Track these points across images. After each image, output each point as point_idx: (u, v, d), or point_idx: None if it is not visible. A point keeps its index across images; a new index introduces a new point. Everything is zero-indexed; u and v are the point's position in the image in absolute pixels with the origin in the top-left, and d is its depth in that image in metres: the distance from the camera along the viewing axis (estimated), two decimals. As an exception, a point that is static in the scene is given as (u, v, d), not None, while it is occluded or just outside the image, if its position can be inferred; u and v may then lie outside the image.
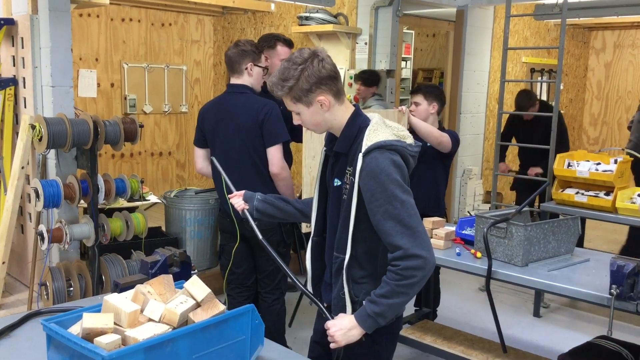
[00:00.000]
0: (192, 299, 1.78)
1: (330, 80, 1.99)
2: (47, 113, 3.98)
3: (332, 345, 1.99)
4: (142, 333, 1.63)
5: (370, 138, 1.95)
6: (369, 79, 5.55)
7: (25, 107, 4.17)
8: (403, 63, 8.76)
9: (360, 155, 1.93)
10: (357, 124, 2.03)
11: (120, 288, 2.23)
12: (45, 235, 3.69)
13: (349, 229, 1.99)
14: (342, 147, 2.04)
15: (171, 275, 1.92)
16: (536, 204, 5.16)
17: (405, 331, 3.67)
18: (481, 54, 6.90)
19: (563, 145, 5.24)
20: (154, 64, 7.43)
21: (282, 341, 3.43)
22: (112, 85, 7.15)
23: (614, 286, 2.54)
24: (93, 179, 3.78)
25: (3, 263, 4.00)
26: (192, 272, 2.53)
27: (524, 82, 7.70)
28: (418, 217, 1.93)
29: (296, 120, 2.09)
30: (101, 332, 1.62)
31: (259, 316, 1.89)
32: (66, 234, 3.74)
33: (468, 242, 3.38)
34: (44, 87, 4.02)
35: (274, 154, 3.26)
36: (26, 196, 4.23)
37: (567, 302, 4.96)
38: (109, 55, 7.09)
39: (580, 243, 3.86)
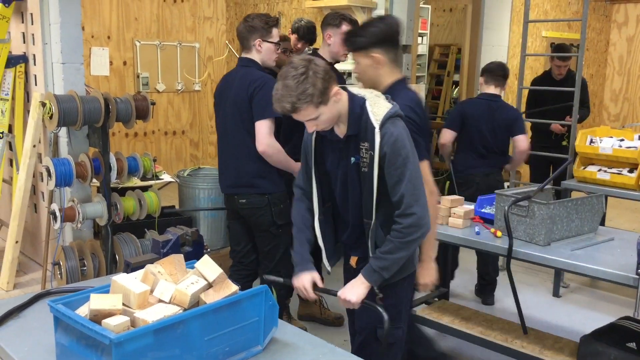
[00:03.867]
0: (204, 279, 1.72)
1: (331, 72, 2.06)
2: (58, 90, 3.93)
3: (346, 305, 2.20)
4: (151, 314, 1.58)
5: (376, 112, 2.10)
6: None
7: (36, 84, 4.11)
8: (419, 39, 8.59)
9: (377, 130, 2.08)
10: (357, 103, 2.14)
11: (131, 268, 2.17)
12: (58, 214, 3.65)
13: (373, 196, 2.14)
14: (354, 129, 2.15)
15: (182, 255, 1.86)
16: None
17: (423, 311, 3.61)
18: (500, 28, 6.72)
19: (585, 109, 5.08)
20: (167, 42, 7.34)
21: None
22: (125, 63, 7.08)
23: (641, 266, 2.44)
24: (105, 157, 3.73)
25: (17, 242, 3.98)
26: (204, 251, 2.48)
27: (544, 56, 7.51)
28: (422, 179, 2.16)
29: (312, 127, 2.12)
30: (109, 314, 1.57)
31: (272, 297, 1.83)
32: (79, 213, 3.71)
33: (487, 220, 3.28)
34: (54, 64, 3.96)
35: (260, 129, 3.10)
36: (38, 175, 4.19)
37: (587, 281, 4.86)
38: (121, 32, 7.00)
39: (602, 222, 3.75)
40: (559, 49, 5.41)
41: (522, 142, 4.18)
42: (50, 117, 3.57)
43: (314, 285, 2.27)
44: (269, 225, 3.25)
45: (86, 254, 3.76)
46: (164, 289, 1.66)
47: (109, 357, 1.47)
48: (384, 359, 2.34)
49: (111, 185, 4.64)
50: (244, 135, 3.21)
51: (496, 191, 3.16)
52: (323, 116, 2.06)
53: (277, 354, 1.82)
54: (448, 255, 3.99)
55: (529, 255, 2.88)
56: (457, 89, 8.33)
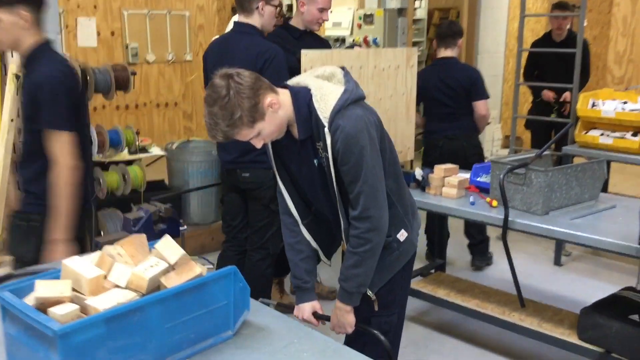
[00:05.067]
0: (165, 261, 1.58)
1: (260, 82, 1.86)
2: (34, 62, 3.75)
3: (341, 332, 2.12)
4: (104, 302, 1.44)
5: (323, 109, 1.88)
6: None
7: (12, 55, 3.92)
8: (417, 3, 8.34)
9: (326, 130, 1.86)
10: (302, 102, 1.92)
11: (100, 247, 2.04)
12: (37, 191, 3.51)
13: (337, 198, 1.97)
14: (305, 132, 1.95)
15: (144, 235, 1.72)
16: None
17: (417, 284, 3.48)
18: (500, -11, 6.48)
19: (584, 74, 4.88)
20: (155, 10, 7.10)
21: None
22: (113, 33, 6.86)
23: (644, 236, 2.29)
24: (85, 130, 3.57)
25: (-2, 221, 3.84)
26: (181, 228, 2.34)
27: (544, 16, 7.26)
28: (381, 176, 1.94)
29: (260, 143, 1.90)
30: (57, 302, 1.43)
31: (242, 279, 1.69)
32: (59, 189, 3.56)
33: (483, 189, 3.14)
34: (29, 34, 3.76)
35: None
36: (18, 150, 4.04)
37: (590, 250, 4.72)
38: (108, 2, 6.77)
39: (604, 188, 3.59)
40: (558, 6, 5.17)
41: (479, 107, 4.04)
42: (25, 90, 3.40)
43: (315, 313, 2.17)
44: (269, 201, 3.09)
45: (69, 232, 3.63)
46: (119, 273, 1.52)
47: (55, 350, 1.33)
48: (380, 348, 2.20)
49: (98, 160, 4.53)
50: None
51: (491, 158, 3.01)
52: (265, 131, 1.86)
53: (249, 339, 1.69)
54: (443, 225, 3.86)
55: (526, 226, 2.73)
56: (456, 54, 8.09)
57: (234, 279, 1.66)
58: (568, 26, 5.12)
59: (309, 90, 1.93)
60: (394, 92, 3.33)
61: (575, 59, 4.42)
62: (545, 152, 3.13)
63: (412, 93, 3.47)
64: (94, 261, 1.56)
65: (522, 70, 5.11)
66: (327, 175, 1.94)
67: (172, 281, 1.54)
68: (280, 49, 2.98)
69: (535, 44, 5.41)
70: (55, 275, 1.57)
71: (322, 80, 1.97)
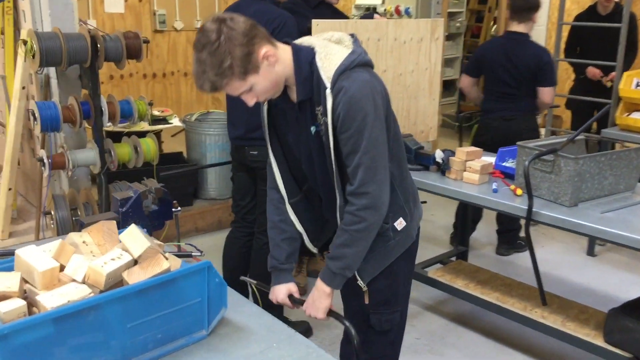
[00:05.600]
0: (129, 254, 1.43)
1: (255, 30, 1.65)
2: (47, 27, 3.63)
3: (314, 315, 1.90)
4: (54, 299, 1.30)
5: (326, 68, 1.68)
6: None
7: (25, 21, 3.83)
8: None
9: (328, 92, 1.66)
10: (304, 60, 1.72)
11: (83, 228, 1.91)
12: (46, 161, 3.42)
13: (333, 170, 1.77)
14: (305, 93, 1.75)
15: (114, 222, 1.57)
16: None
17: (435, 272, 3.29)
18: (544, -43, 6.06)
19: (632, 51, 4.53)
20: (185, -24, 6.94)
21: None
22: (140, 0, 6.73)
23: (682, 236, 2.05)
24: (95, 100, 3.45)
25: (9, 189, 3.79)
26: (173, 209, 2.20)
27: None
28: (384, 148, 1.74)
29: (252, 99, 1.71)
30: (4, 297, 1.30)
31: (218, 274, 1.53)
32: (68, 160, 3.47)
33: (508, 176, 2.90)
34: (42, -2, 3.65)
35: None
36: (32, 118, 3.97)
37: (627, 239, 4.43)
38: (136, -34, 6.64)
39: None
40: None
41: (544, 94, 3.72)
42: (33, 57, 3.29)
43: (291, 297, 1.99)
44: None
45: (79, 203, 3.55)
46: (77, 265, 1.38)
47: (-4, 352, 1.20)
48: (380, 348, 2.03)
49: (118, 130, 4.43)
50: None
51: (518, 142, 2.76)
52: (258, 86, 1.66)
53: (224, 339, 1.54)
54: (467, 211, 3.64)
55: (551, 218, 2.50)
56: (495, 26, 7.73)
57: (208, 274, 1.51)
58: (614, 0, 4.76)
59: (313, 48, 1.74)
60: (415, 67, 3.09)
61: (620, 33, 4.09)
62: (579, 137, 2.88)
63: (437, 68, 3.22)
64: (52, 251, 1.43)
65: (563, 46, 4.78)
66: (325, 144, 1.74)
67: (136, 277, 1.40)
68: (290, 16, 2.78)
69: (578, 17, 5.05)
70: (11, 265, 1.44)
71: (327, 42, 1.77)
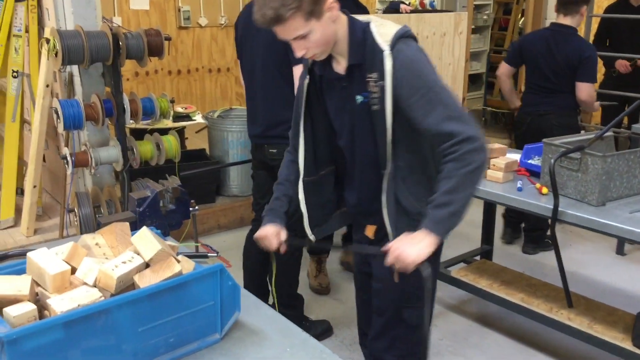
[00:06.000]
0: (141, 257, 1.41)
1: None
2: (70, 25, 3.66)
3: (397, 265, 1.65)
4: (65, 303, 1.29)
5: (383, 33, 1.70)
6: None
7: (49, 19, 3.86)
8: (485, -37, 7.83)
9: (387, 53, 1.66)
10: (359, 26, 1.73)
11: (101, 227, 1.90)
12: (69, 159, 3.45)
13: (387, 138, 1.73)
14: (357, 57, 1.73)
15: (127, 223, 1.56)
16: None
17: (459, 272, 3.23)
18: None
19: None
20: (209, -28, 6.94)
21: (291, 297, 3.05)
22: (165, -4, 6.76)
23: None
24: (117, 98, 3.46)
25: (34, 187, 3.83)
26: (191, 209, 2.19)
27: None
28: (458, 101, 1.71)
29: (302, 49, 1.68)
30: (15, 300, 1.29)
31: (231, 277, 1.51)
32: (91, 158, 3.49)
33: (534, 174, 2.83)
34: (65, -4, 3.67)
35: (298, 74, 2.73)
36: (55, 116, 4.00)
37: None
38: (161, -37, 6.66)
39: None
40: None
41: (580, 89, 3.61)
42: (56, 55, 3.31)
43: (287, 239, 1.91)
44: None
45: (102, 201, 3.57)
46: (88, 268, 1.37)
47: (5, 357, 1.20)
48: (411, 345, 1.96)
49: (141, 127, 4.45)
50: (278, 79, 2.81)
51: (544, 140, 2.69)
52: (314, 34, 1.64)
53: (238, 344, 1.52)
54: (492, 209, 3.56)
55: (578, 218, 2.43)
56: (523, 19, 7.58)
57: (221, 277, 1.48)
58: None
59: (367, 20, 1.76)
60: (438, 62, 3.03)
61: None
62: (608, 133, 2.79)
63: (460, 63, 3.16)
64: (64, 253, 1.42)
65: (591, 38, 4.66)
66: (377, 113, 1.70)
67: (147, 280, 1.38)
68: None
69: (609, 9, 4.91)
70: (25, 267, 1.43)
71: (380, 18, 1.80)
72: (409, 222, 1.77)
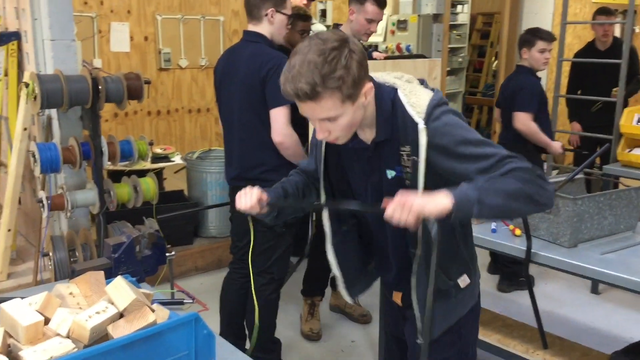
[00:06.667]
0: (114, 306, 1.41)
1: (367, 60, 1.52)
2: (49, 69, 3.68)
3: (397, 217, 1.46)
4: (37, 355, 1.28)
5: (415, 103, 1.55)
6: None
7: (28, 62, 3.88)
8: (459, 7, 8.06)
9: (422, 127, 1.51)
10: (387, 96, 1.58)
11: (77, 274, 1.90)
12: (45, 202, 3.43)
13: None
14: (385, 133, 1.60)
15: (102, 272, 1.56)
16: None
17: (436, 313, 3.24)
18: (544, -6, 6.15)
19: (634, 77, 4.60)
20: (189, 15, 7.03)
21: (269, 341, 3.03)
22: (146, 38, 6.82)
23: (683, 280, 2.01)
24: (95, 141, 3.47)
25: (9, 231, 3.79)
26: (167, 255, 2.19)
27: (587, 23, 6.87)
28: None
29: (324, 132, 1.54)
30: (-14, 353, 1.28)
31: (206, 326, 1.51)
32: (67, 201, 3.47)
33: (507, 215, 2.88)
34: (45, 40, 3.70)
35: (276, 118, 2.75)
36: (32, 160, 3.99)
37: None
38: (142, 6, 6.74)
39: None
40: (601, 11, 4.85)
41: (514, 119, 3.86)
42: (35, 99, 3.33)
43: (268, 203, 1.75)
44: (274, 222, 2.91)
45: (77, 244, 3.54)
46: (61, 319, 1.37)
47: (-26, 411, 1.18)
48: None
49: (119, 169, 4.44)
50: (255, 122, 2.84)
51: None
52: (344, 119, 1.50)
53: (212, 393, 1.51)
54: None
55: (551, 260, 2.47)
56: (496, 62, 7.78)
57: (196, 326, 1.49)
58: (614, 33, 4.80)
59: (393, 85, 1.60)
60: (413, 107, 3.10)
61: (620, 69, 4.10)
62: (579, 175, 2.87)
63: (435, 108, 3.24)
64: (38, 303, 1.41)
65: (564, 82, 4.80)
66: (409, 186, 1.57)
67: (121, 330, 1.38)
68: (286, 58, 2.79)
69: (578, 55, 5.08)
70: None
71: (406, 81, 1.65)
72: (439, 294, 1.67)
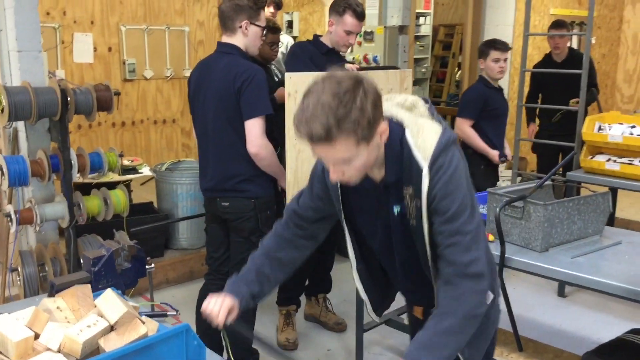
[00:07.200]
0: (105, 319, 1.40)
1: (381, 100, 1.50)
2: (15, 81, 3.61)
3: None
4: (29, 370, 1.26)
5: (421, 146, 1.54)
6: None
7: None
8: (422, 19, 8.21)
9: (425, 172, 1.52)
10: (396, 136, 1.56)
11: (56, 289, 1.87)
12: (13, 216, 3.36)
13: (427, 256, 1.64)
14: (395, 174, 1.60)
15: (89, 285, 1.55)
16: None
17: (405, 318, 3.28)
18: (505, 6, 6.32)
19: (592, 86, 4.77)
20: (154, 26, 6.99)
21: (246, 351, 3.03)
22: (110, 49, 6.75)
23: (652, 281, 2.10)
24: (64, 153, 3.42)
25: (-26, 246, 3.70)
26: (147, 267, 2.17)
27: (548, 35, 7.08)
28: (481, 227, 1.62)
29: (338, 174, 1.54)
30: (-24, 370, 1.26)
31: (196, 337, 1.51)
32: (36, 215, 3.41)
33: (480, 222, 2.94)
34: (11, 52, 3.63)
35: (251, 129, 2.77)
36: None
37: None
38: (105, 17, 6.67)
39: (611, 220, 3.39)
40: (555, 25, 5.04)
41: (455, 126, 4.08)
42: (2, 111, 3.26)
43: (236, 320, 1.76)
44: (251, 233, 2.91)
45: (46, 259, 3.47)
46: (51, 334, 1.35)
47: None
48: None
49: (87, 182, 4.37)
50: (230, 133, 2.85)
51: (488, 190, 2.82)
52: (358, 160, 1.48)
53: (203, 404, 1.51)
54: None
55: (524, 264, 2.54)
56: (459, 72, 7.94)
57: (186, 337, 1.49)
58: (568, 44, 4.97)
59: (401, 123, 1.58)
60: (386, 117, 3.15)
61: (579, 79, 4.24)
62: (547, 182, 2.95)
63: (407, 117, 3.29)
64: (26, 319, 1.39)
65: (525, 92, 4.94)
66: (415, 227, 1.60)
67: (112, 343, 1.37)
68: (260, 69, 2.82)
69: (537, 66, 5.25)
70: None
71: (415, 117, 1.62)
72: None
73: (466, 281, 1.54)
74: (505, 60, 4.01)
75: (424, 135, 1.55)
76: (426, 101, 1.67)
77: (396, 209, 1.64)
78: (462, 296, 1.53)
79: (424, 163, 1.52)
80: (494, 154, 4.04)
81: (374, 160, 1.55)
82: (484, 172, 4.02)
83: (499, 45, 4.01)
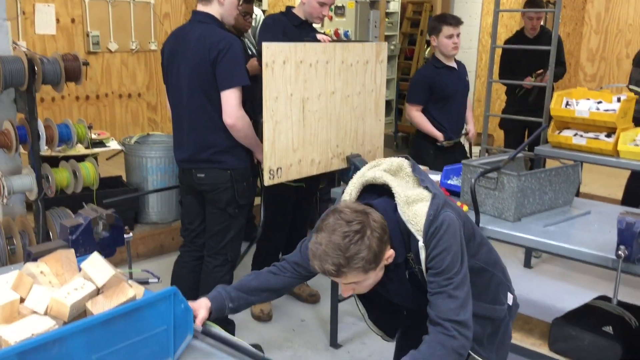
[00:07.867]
0: (92, 283, 1.39)
1: (386, 228, 1.66)
2: (-20, 50, 3.49)
3: None
4: (17, 332, 1.24)
5: (413, 222, 1.66)
6: None
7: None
8: (390, -5, 8.20)
9: (421, 244, 1.66)
10: (393, 222, 1.68)
11: (32, 258, 1.83)
12: (-21, 188, 3.27)
13: None
14: (403, 253, 1.73)
15: (72, 250, 1.53)
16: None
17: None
18: (473, -17, 6.35)
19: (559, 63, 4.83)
20: (119, -3, 6.82)
21: (222, 321, 3.02)
22: (73, 20, 6.55)
23: (621, 247, 2.16)
24: (32, 124, 3.34)
25: (-62, 219, 3.58)
26: (125, 236, 2.14)
27: (518, 12, 7.17)
28: (466, 280, 1.69)
29: (350, 291, 1.69)
30: (-39, 333, 1.23)
31: (184, 300, 1.51)
32: (3, 187, 3.33)
33: (454, 193, 2.99)
34: (-25, 20, 3.51)
35: (228, 100, 2.73)
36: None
37: (561, 251, 4.63)
38: (68, -13, 6.48)
39: (577, 191, 3.48)
40: (531, 3, 5.08)
41: (405, 111, 4.03)
42: (-33, 80, 3.16)
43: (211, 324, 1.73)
44: (227, 204, 2.89)
45: (14, 232, 3.40)
46: (38, 297, 1.33)
47: (-46, 392, 1.14)
48: None
49: (54, 154, 4.28)
50: (205, 104, 2.81)
51: (463, 161, 2.86)
52: (367, 282, 1.66)
53: (191, 367, 1.51)
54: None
55: (497, 233, 2.60)
56: (428, 49, 7.98)
57: (174, 301, 1.48)
58: (540, 23, 5.04)
59: (392, 201, 1.70)
60: (362, 89, 3.15)
61: (549, 55, 4.30)
62: (519, 155, 3.00)
63: (382, 90, 3.30)
64: (10, 282, 1.37)
65: (496, 68, 4.99)
66: (423, 281, 1.73)
67: (100, 306, 1.36)
68: (236, 39, 2.78)
69: (507, 42, 5.31)
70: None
71: (390, 175, 1.75)
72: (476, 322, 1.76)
73: (447, 328, 1.61)
74: (458, 35, 3.85)
75: (415, 208, 1.67)
76: (408, 159, 1.81)
77: (407, 273, 1.79)
78: (438, 346, 1.60)
79: (419, 237, 1.65)
80: (437, 135, 3.94)
81: (380, 277, 1.69)
82: (433, 156, 3.98)
83: (451, 20, 3.84)
